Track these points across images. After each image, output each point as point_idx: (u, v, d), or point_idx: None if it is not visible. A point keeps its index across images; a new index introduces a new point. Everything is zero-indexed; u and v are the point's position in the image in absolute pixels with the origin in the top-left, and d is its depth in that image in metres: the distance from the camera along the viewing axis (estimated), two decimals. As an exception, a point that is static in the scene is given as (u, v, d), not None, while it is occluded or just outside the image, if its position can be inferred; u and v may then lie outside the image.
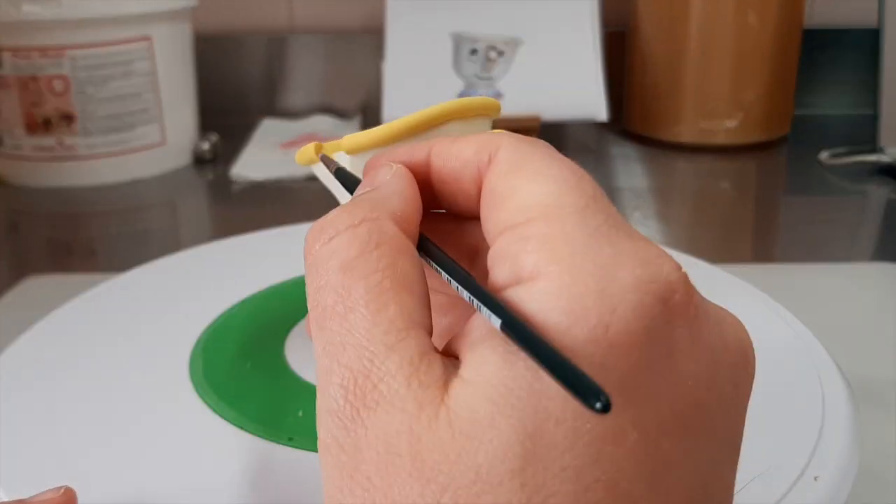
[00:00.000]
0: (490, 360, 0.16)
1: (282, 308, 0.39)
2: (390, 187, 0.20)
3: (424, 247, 0.20)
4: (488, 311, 0.16)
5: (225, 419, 0.30)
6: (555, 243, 0.16)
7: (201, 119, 0.81)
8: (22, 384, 0.33)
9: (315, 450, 0.28)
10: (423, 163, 0.21)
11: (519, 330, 0.15)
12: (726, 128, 0.78)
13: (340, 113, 0.92)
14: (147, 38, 0.72)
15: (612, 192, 0.69)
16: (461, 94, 0.76)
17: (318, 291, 0.18)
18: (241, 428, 0.29)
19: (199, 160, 0.78)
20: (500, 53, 0.76)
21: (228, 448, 0.28)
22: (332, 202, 0.33)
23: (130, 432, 0.29)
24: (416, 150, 0.21)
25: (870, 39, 0.78)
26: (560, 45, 0.77)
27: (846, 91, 0.91)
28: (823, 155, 0.74)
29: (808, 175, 0.73)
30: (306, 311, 0.44)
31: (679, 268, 0.17)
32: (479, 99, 0.29)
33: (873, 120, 0.73)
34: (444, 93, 0.76)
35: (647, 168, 0.76)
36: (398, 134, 0.27)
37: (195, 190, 0.74)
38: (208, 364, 0.34)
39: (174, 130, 0.76)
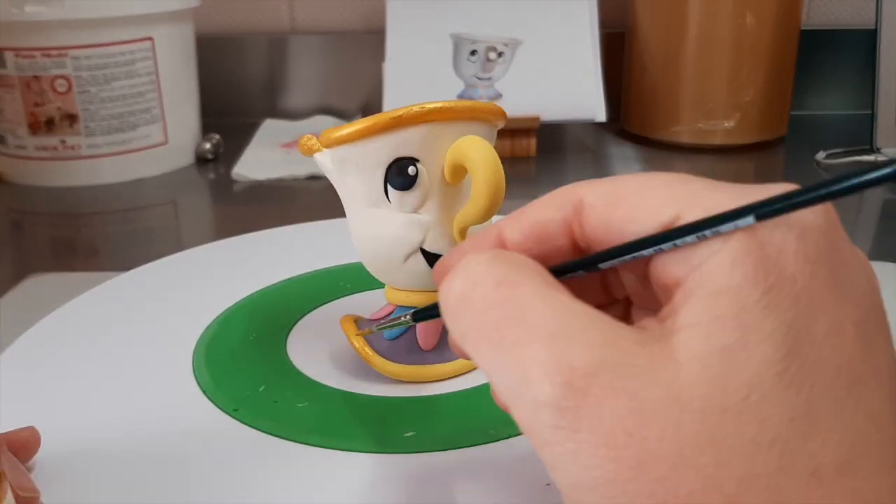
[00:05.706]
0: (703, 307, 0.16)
1: (283, 306, 0.39)
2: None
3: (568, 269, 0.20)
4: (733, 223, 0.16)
5: (229, 415, 0.30)
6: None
7: (203, 119, 0.82)
8: (24, 383, 0.33)
9: (310, 443, 0.28)
10: (497, 245, 0.20)
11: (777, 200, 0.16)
12: (724, 128, 0.78)
13: (341, 113, 0.92)
14: (149, 39, 0.72)
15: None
16: (461, 95, 0.76)
17: (479, 314, 0.17)
18: (246, 424, 0.30)
19: (201, 160, 0.78)
20: (500, 54, 0.77)
21: (233, 444, 0.29)
22: (334, 201, 0.33)
23: (134, 429, 0.29)
24: (483, 239, 0.21)
25: (867, 40, 0.78)
26: (559, 46, 0.77)
27: (843, 92, 0.91)
28: (820, 155, 0.74)
29: (805, 175, 0.73)
30: (308, 309, 0.44)
31: None
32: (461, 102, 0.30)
33: (870, 120, 0.73)
34: (444, 93, 0.77)
35: (646, 168, 0.76)
36: (373, 129, 0.28)
37: (197, 189, 0.74)
38: (211, 361, 0.34)
39: (176, 130, 0.76)
